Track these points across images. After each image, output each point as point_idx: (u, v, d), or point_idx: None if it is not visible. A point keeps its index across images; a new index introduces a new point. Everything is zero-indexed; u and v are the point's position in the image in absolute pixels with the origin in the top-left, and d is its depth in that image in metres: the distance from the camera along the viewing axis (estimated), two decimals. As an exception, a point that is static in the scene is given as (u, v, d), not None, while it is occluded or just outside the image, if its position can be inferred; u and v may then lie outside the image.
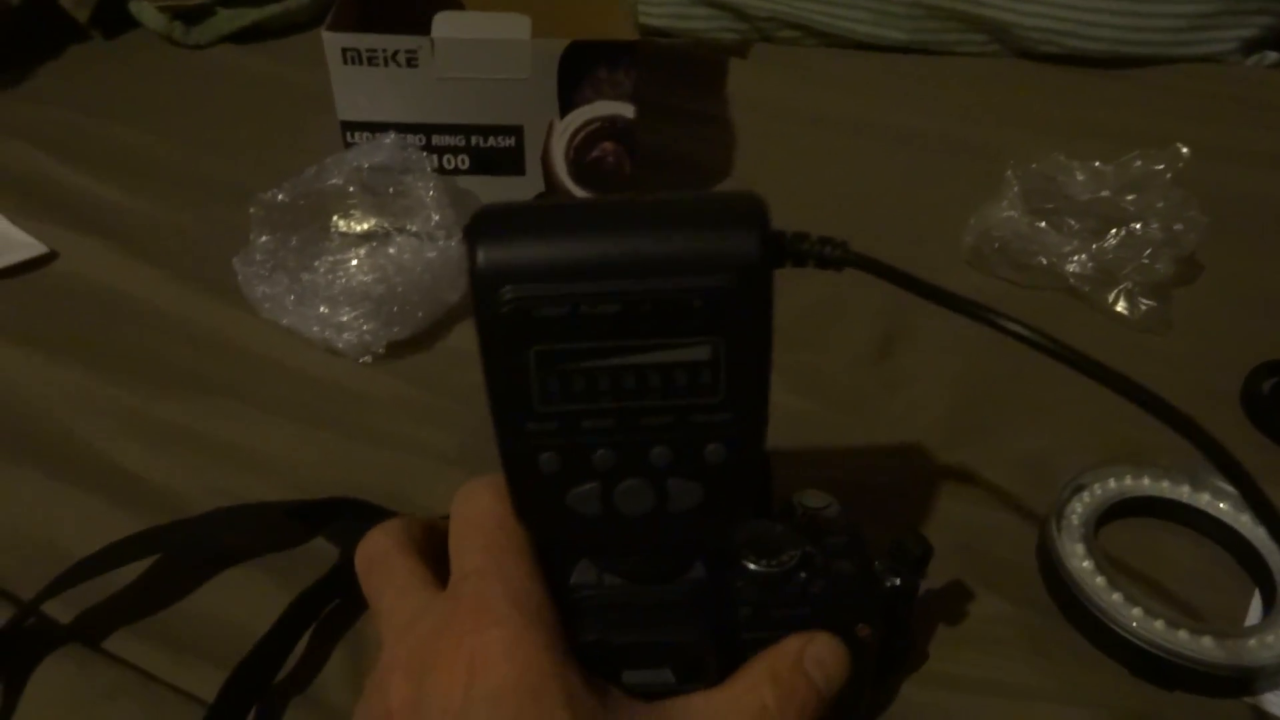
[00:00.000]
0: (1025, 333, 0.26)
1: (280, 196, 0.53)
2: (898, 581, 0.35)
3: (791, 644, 0.29)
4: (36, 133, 0.68)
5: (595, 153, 0.58)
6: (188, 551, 0.40)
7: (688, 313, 0.24)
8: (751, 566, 0.32)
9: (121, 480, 0.45)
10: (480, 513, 0.28)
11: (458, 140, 0.57)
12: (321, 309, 0.49)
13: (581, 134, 0.57)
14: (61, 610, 0.39)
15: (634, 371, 0.24)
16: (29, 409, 0.48)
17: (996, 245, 0.60)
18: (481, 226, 0.24)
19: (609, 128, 0.57)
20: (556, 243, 0.24)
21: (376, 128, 0.56)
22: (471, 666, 0.25)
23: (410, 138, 0.56)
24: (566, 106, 0.56)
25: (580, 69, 0.55)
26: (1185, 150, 0.57)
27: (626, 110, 0.57)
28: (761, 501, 0.36)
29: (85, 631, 0.38)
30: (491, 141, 0.57)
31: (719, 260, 0.23)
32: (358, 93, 0.55)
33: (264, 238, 0.52)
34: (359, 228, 0.57)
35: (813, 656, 0.29)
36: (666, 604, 0.30)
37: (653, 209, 0.24)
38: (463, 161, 0.58)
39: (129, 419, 0.48)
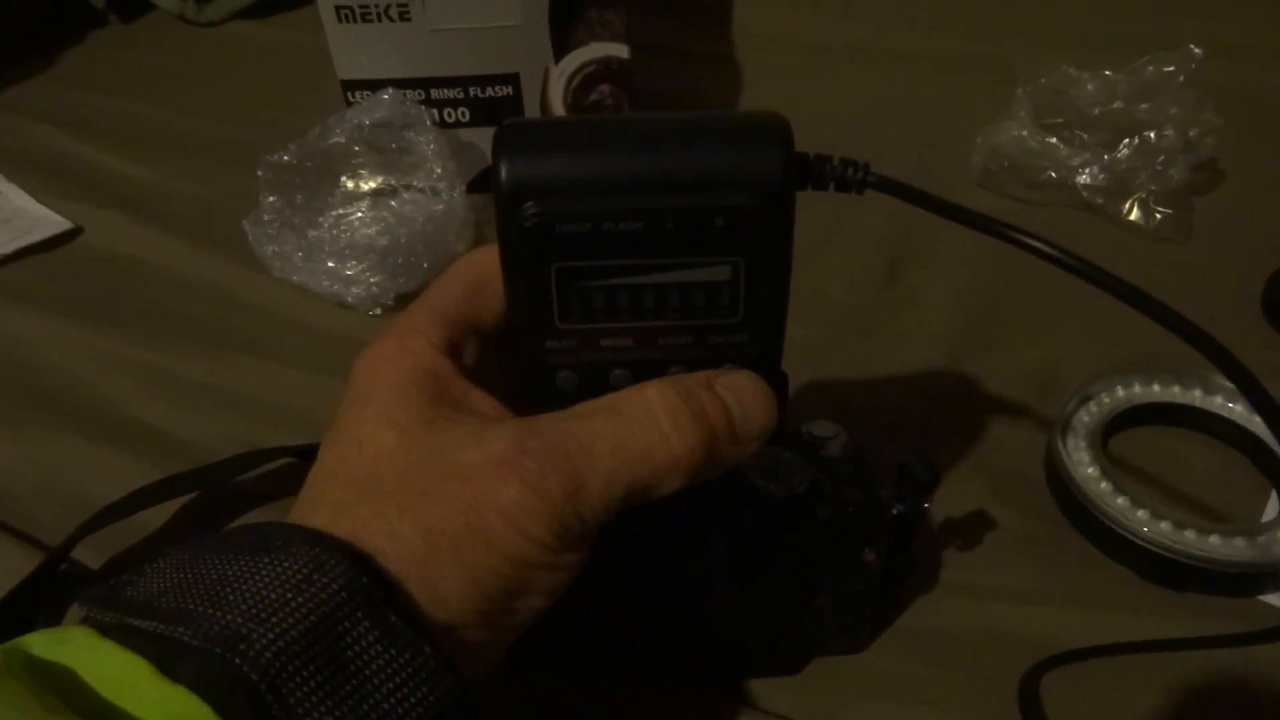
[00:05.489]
0: (1047, 249, 0.25)
1: (285, 158, 0.54)
2: (902, 508, 0.35)
3: (704, 372, 0.26)
4: (60, 115, 0.70)
5: (593, 96, 0.58)
6: (208, 492, 0.42)
7: (710, 231, 0.24)
8: (761, 491, 0.32)
9: (146, 435, 0.47)
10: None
11: (456, 92, 0.58)
12: (329, 264, 0.51)
13: (578, 78, 0.57)
14: (92, 557, 0.41)
15: (654, 290, 0.24)
16: (59, 372, 0.50)
17: (1006, 164, 0.59)
18: (507, 140, 0.24)
19: (604, 70, 0.57)
20: (581, 158, 0.24)
21: (377, 85, 0.57)
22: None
23: (410, 93, 0.57)
24: (560, 51, 0.56)
25: (571, 11, 0.55)
26: (1198, 51, 0.55)
27: (621, 51, 0.56)
28: (778, 427, 0.37)
29: (115, 575, 0.40)
30: (489, 91, 0.58)
31: (743, 179, 0.23)
32: (355, 50, 0.56)
33: (271, 198, 0.53)
34: (366, 186, 0.58)
35: (727, 383, 0.25)
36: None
37: (678, 126, 0.24)
38: (463, 114, 0.59)
39: (152, 378, 0.49)
